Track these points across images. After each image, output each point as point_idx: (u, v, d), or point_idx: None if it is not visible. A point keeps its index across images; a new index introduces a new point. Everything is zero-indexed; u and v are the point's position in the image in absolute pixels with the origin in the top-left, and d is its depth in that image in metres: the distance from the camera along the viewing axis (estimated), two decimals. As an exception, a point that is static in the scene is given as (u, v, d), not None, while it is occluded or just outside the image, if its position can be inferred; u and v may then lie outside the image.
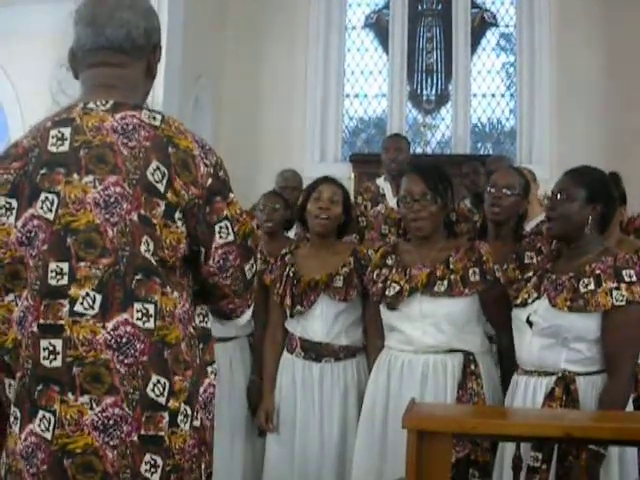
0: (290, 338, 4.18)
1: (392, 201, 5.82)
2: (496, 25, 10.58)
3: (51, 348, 2.08)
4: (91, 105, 2.23)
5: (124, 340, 2.08)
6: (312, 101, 10.25)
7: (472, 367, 3.61)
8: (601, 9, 9.59)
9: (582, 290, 3.28)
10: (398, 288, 3.70)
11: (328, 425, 4.05)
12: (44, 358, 2.08)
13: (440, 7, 10.57)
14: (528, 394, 3.37)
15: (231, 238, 2.23)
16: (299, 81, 10.21)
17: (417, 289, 3.66)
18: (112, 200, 2.11)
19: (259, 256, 4.21)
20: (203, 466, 2.25)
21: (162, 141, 2.17)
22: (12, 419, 2.13)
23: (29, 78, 8.67)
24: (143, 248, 2.11)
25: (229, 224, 2.22)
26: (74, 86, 7.90)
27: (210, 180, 2.20)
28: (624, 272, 3.26)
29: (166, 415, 2.11)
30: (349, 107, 10.72)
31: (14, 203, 2.17)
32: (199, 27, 9.28)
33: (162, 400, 2.11)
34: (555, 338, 3.30)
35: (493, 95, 10.50)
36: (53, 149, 2.18)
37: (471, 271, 3.66)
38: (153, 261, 2.12)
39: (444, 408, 3.35)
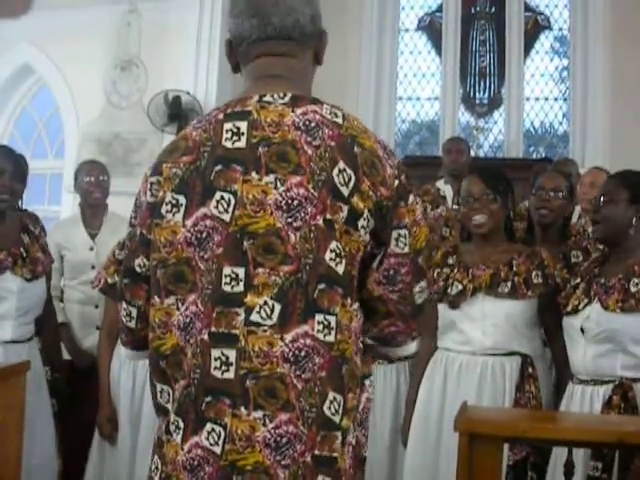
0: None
1: (452, 203, 5.83)
2: (550, 28, 10.49)
3: (223, 358, 1.95)
4: (268, 98, 2.07)
5: (302, 354, 1.93)
6: (365, 103, 10.23)
7: (530, 370, 3.61)
8: (657, 13, 9.50)
9: (633, 289, 3.28)
10: (461, 287, 3.72)
11: (380, 426, 4.07)
12: (215, 368, 1.96)
13: (493, 10, 10.49)
14: (585, 403, 3.37)
15: (407, 250, 2.03)
16: (352, 83, 10.21)
17: (480, 289, 3.69)
18: (295, 203, 1.94)
19: None
20: None
21: (347, 141, 2.01)
22: (172, 428, 2.03)
23: (84, 79, 8.76)
24: (329, 256, 1.95)
25: (407, 233, 2.03)
26: (128, 87, 8.00)
27: (396, 182, 2.03)
28: None
29: (339, 435, 1.97)
30: (402, 110, 10.71)
31: (182, 200, 2.03)
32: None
33: (337, 418, 1.96)
34: (610, 343, 3.29)
35: (546, 99, 10.42)
36: (228, 144, 2.03)
37: (534, 274, 3.69)
38: (338, 270, 1.95)
39: (496, 412, 3.36)
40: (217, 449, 1.94)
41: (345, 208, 1.95)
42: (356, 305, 2.01)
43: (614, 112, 9.52)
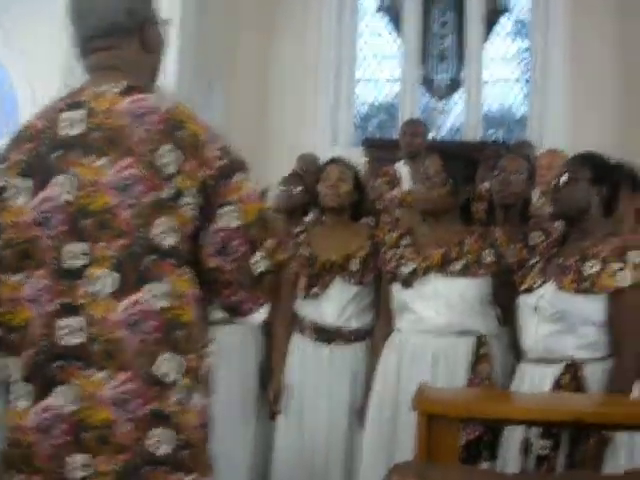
0: (300, 320, 4.18)
1: (408, 185, 5.82)
2: (510, 11, 10.54)
3: (72, 326, 2.13)
4: (103, 88, 2.26)
5: (137, 318, 2.13)
6: (324, 85, 10.23)
7: (484, 350, 3.63)
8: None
9: (587, 272, 3.29)
10: (413, 266, 3.72)
11: (337, 408, 4.07)
12: (64, 335, 2.13)
13: (454, -9, 10.54)
14: (535, 383, 3.38)
15: (235, 224, 2.21)
16: (311, 65, 10.20)
17: (432, 268, 3.69)
18: (127, 183, 2.15)
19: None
20: (209, 445, 2.31)
21: (172, 125, 2.20)
22: (16, 395, 2.19)
23: (41, 60, 8.66)
24: (156, 230, 2.14)
25: (235, 209, 2.21)
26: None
27: (219, 162, 2.21)
28: (629, 253, 3.28)
29: (176, 392, 2.16)
30: (361, 92, 10.70)
31: (27, 183, 2.21)
32: (212, 14, 9.27)
33: (172, 377, 2.16)
34: (562, 323, 3.31)
35: (506, 81, 10.47)
36: (65, 132, 2.22)
37: (486, 252, 3.71)
38: (167, 243, 2.15)
39: (453, 392, 3.36)
40: (68, 408, 2.12)
41: (171, 186, 2.15)
42: (191, 275, 2.21)
43: (574, 95, 9.60)
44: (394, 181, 6.24)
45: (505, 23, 10.53)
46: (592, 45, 9.54)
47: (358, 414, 3.98)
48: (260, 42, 10.16)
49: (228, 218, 2.20)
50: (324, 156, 5.88)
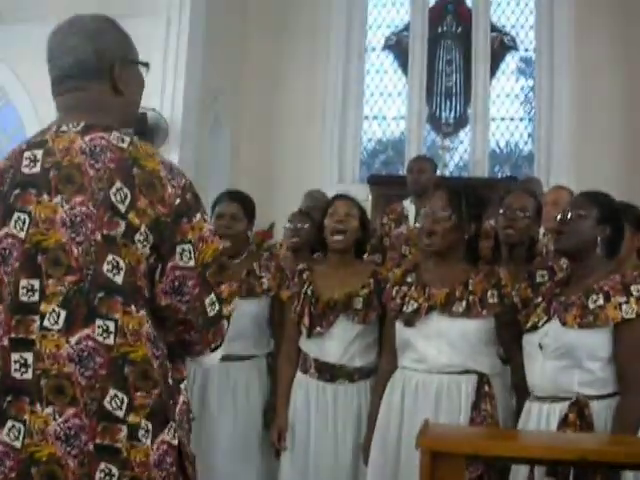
0: (304, 358, 4.17)
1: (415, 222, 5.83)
2: (516, 49, 10.59)
3: (22, 361, 2.17)
4: (64, 127, 2.33)
5: (85, 354, 2.16)
6: (331, 122, 10.25)
7: (486, 388, 3.60)
8: (621, 33, 9.59)
9: (591, 306, 3.30)
10: (416, 305, 3.72)
11: (342, 447, 4.04)
12: (15, 370, 2.17)
13: (460, 30, 10.58)
14: (542, 421, 3.36)
15: (192, 264, 2.25)
16: (318, 102, 10.22)
17: (435, 307, 3.68)
18: (78, 220, 2.19)
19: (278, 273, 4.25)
20: None
21: (127, 163, 2.24)
22: None
23: (49, 94, 8.68)
24: (106, 267, 2.18)
25: (192, 248, 2.25)
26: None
27: (177, 200, 2.25)
28: (633, 287, 3.29)
29: (124, 428, 2.17)
30: (367, 129, 10.72)
31: None
32: (219, 49, 9.32)
33: (120, 413, 2.17)
34: (567, 359, 3.30)
35: (512, 119, 10.49)
36: (26, 170, 2.28)
37: (489, 293, 3.68)
38: (116, 280, 2.19)
39: (458, 429, 3.34)
40: (17, 444, 2.15)
41: (123, 223, 2.19)
42: (143, 312, 2.23)
43: (579, 132, 9.59)
44: (401, 218, 6.24)
45: (510, 61, 10.58)
46: (597, 83, 9.56)
47: (362, 452, 3.96)
48: (267, 78, 10.20)
49: (185, 257, 2.24)
50: (330, 193, 5.89)
